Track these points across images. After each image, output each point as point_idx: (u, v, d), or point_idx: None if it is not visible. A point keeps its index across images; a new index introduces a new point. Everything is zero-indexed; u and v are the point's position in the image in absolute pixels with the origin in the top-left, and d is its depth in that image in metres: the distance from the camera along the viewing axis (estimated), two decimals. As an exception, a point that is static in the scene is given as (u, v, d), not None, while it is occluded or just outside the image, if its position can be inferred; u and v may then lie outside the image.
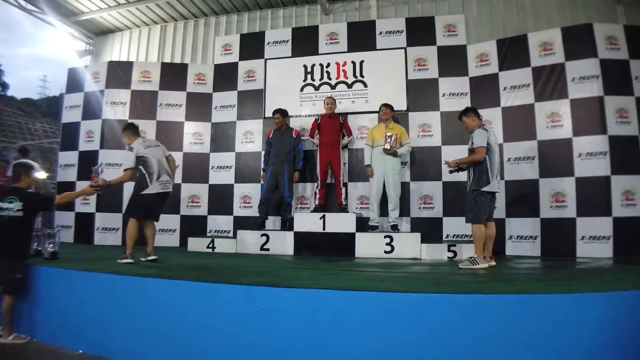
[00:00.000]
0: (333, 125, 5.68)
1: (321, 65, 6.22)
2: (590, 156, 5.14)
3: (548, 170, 5.32)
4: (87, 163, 6.32)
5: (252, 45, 6.52)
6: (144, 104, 6.53)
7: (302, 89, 6.27)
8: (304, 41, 6.36)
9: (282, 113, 5.68)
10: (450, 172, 4.36)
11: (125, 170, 4.33)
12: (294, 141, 5.64)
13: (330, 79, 6.17)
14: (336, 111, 5.81)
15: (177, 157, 6.32)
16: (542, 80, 5.47)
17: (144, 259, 4.18)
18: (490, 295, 2.74)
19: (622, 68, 5.22)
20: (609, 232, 4.95)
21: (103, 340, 3.19)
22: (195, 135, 6.53)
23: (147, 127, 6.40)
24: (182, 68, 6.77)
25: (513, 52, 5.69)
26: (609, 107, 5.12)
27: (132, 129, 4.49)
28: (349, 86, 6.13)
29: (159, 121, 6.49)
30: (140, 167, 4.25)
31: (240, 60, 6.53)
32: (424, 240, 5.06)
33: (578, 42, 5.36)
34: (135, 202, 4.26)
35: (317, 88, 6.21)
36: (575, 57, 5.33)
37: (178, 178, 6.36)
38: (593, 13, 6.50)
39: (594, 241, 5.03)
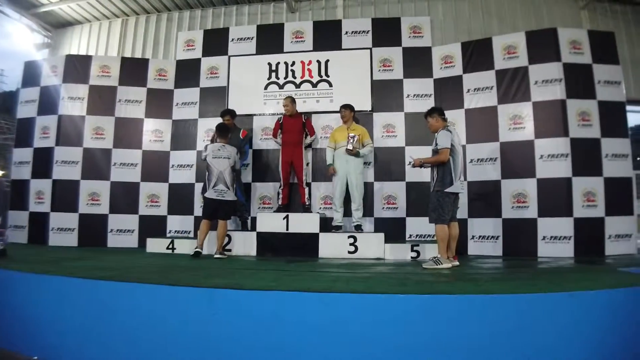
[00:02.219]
0: (295, 124, 5.58)
1: (286, 63, 6.12)
2: (552, 158, 5.23)
3: (510, 172, 5.39)
4: (42, 160, 6.06)
5: (216, 42, 6.36)
6: (102, 99, 6.26)
7: (266, 87, 6.15)
8: (269, 39, 6.24)
9: (231, 114, 5.59)
10: (413, 166, 4.34)
11: None
12: (241, 142, 5.52)
13: (295, 77, 6.08)
14: (299, 110, 5.73)
15: (136, 155, 6.21)
16: (506, 82, 5.55)
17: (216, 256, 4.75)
18: (457, 295, 2.74)
19: (585, 72, 5.36)
20: (570, 233, 5.05)
21: (59, 345, 2.98)
22: (155, 133, 6.30)
23: (105, 124, 6.19)
24: (143, 63, 6.53)
25: (477, 54, 5.75)
26: (571, 110, 5.24)
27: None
28: (314, 85, 6.05)
29: (117, 117, 6.25)
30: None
31: (203, 56, 6.36)
32: (387, 240, 5.04)
33: (542, 46, 5.46)
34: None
35: (281, 87, 6.10)
36: (538, 60, 5.43)
37: (137, 176, 6.16)
38: (557, 18, 6.67)
39: (555, 241, 5.11)
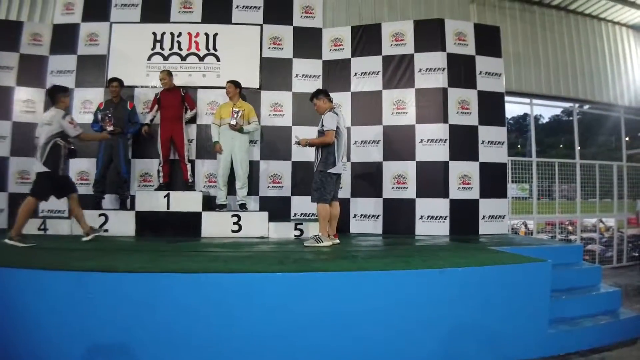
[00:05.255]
0: (174, 99, 5.37)
1: (172, 34, 5.82)
2: (431, 142, 5.52)
3: (391, 154, 5.62)
4: None
5: (97, 6, 5.86)
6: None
7: (149, 58, 5.81)
8: (155, 7, 5.87)
9: (120, 82, 5.29)
10: (298, 145, 4.39)
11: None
12: (129, 113, 5.29)
13: (181, 49, 5.81)
14: (186, 84, 5.55)
15: (5, 127, 5.66)
16: (392, 68, 5.74)
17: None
18: (332, 273, 2.84)
19: (468, 63, 5.66)
20: (446, 213, 5.39)
21: None
22: (27, 103, 5.75)
23: (-31, 92, 5.55)
24: (16, 26, 5.88)
25: (366, 39, 5.89)
26: (452, 98, 5.53)
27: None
28: (201, 59, 5.84)
29: (-15, 86, 5.63)
30: None
31: (82, 21, 5.85)
32: (272, 219, 5.07)
33: (428, 35, 5.69)
34: None
35: (166, 58, 5.80)
36: (424, 49, 5.66)
37: (5, 151, 5.62)
38: (447, 10, 6.99)
39: (431, 220, 5.44)
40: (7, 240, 3.91)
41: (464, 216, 5.45)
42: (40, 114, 5.65)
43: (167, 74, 5.33)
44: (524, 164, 7.58)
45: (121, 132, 5.20)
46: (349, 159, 5.61)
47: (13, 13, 6.64)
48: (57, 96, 4.25)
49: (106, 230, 4.89)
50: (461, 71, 5.64)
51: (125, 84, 5.45)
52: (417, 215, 5.48)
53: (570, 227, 8.26)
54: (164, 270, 2.81)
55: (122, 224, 4.95)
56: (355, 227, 5.66)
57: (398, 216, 5.53)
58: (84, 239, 4.34)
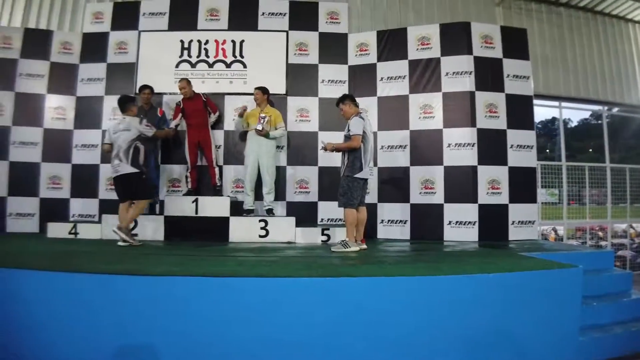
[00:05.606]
0: (196, 105, 5.42)
1: (199, 41, 5.89)
2: (459, 147, 5.43)
3: (419, 159, 5.55)
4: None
5: (126, 15, 5.99)
6: (1, 73, 5.77)
7: (177, 66, 5.89)
8: (183, 15, 5.95)
9: (151, 89, 5.38)
10: (325, 151, 4.37)
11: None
12: (159, 120, 5.35)
13: (208, 56, 5.87)
14: (207, 90, 5.62)
15: (36, 133, 5.79)
16: (418, 72, 5.68)
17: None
18: (359, 278, 2.80)
19: (495, 66, 5.56)
20: (475, 218, 5.28)
21: None
22: (57, 110, 5.88)
23: (4, 100, 5.73)
24: (47, 35, 6.03)
25: (392, 44, 5.84)
26: (479, 102, 5.44)
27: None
28: (228, 66, 5.88)
29: (17, 93, 5.80)
30: None
31: (111, 30, 5.97)
32: (299, 224, 5.05)
33: (455, 38, 5.61)
34: None
35: (193, 65, 5.87)
36: (450, 52, 5.59)
37: (37, 157, 5.74)
38: (473, 14, 6.91)
39: (460, 226, 5.34)
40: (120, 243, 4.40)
41: (493, 222, 5.33)
42: (70, 121, 5.86)
43: (187, 83, 5.36)
44: (553, 169, 7.42)
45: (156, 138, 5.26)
46: (375, 164, 5.56)
47: (43, 22, 6.82)
48: (127, 105, 4.59)
49: (136, 235, 4.92)
50: (488, 74, 5.54)
51: (155, 91, 5.52)
52: (446, 220, 5.38)
53: (600, 233, 8.05)
54: (190, 274, 2.81)
55: (151, 229, 5.01)
56: (382, 232, 5.61)
57: (426, 222, 5.45)
58: (119, 243, 4.43)
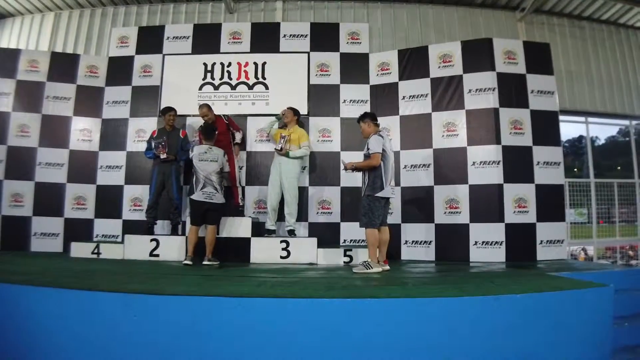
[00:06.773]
0: (219, 128, 5.41)
1: (222, 64, 5.98)
2: (484, 165, 5.33)
3: (443, 178, 5.46)
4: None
5: (151, 39, 6.13)
6: (29, 95, 5.93)
7: (200, 88, 5.97)
8: (206, 39, 6.07)
9: (175, 112, 5.44)
10: (345, 170, 4.35)
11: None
12: (182, 141, 5.39)
13: (230, 79, 5.94)
14: (230, 112, 5.67)
15: (62, 154, 5.91)
16: (440, 90, 5.63)
17: None
18: (382, 299, 2.73)
19: (518, 81, 5.49)
20: (502, 238, 5.15)
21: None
22: (83, 132, 6.00)
23: (31, 121, 5.87)
24: (73, 59, 6.21)
25: (413, 62, 5.82)
26: (503, 119, 5.35)
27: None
28: (250, 87, 5.93)
29: (44, 115, 5.93)
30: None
31: (136, 54, 6.11)
32: (321, 245, 4.99)
33: (477, 55, 5.56)
34: None
35: (216, 87, 5.95)
36: (473, 69, 5.53)
37: (62, 178, 5.84)
38: (494, 30, 6.84)
39: (486, 246, 5.20)
40: (205, 262, 4.57)
41: (520, 241, 5.18)
42: (96, 142, 5.97)
43: (208, 109, 5.39)
44: (581, 186, 7.21)
45: (174, 159, 5.30)
46: (398, 183, 5.49)
47: (69, 46, 7.01)
48: (214, 134, 4.87)
49: (157, 255, 4.96)
50: (512, 90, 5.45)
51: (178, 113, 5.59)
52: (472, 241, 5.24)
53: (631, 252, 7.76)
54: (208, 294, 2.77)
55: (173, 249, 5.00)
56: (406, 253, 5.49)
57: (451, 242, 5.32)
58: (205, 262, 4.57)
